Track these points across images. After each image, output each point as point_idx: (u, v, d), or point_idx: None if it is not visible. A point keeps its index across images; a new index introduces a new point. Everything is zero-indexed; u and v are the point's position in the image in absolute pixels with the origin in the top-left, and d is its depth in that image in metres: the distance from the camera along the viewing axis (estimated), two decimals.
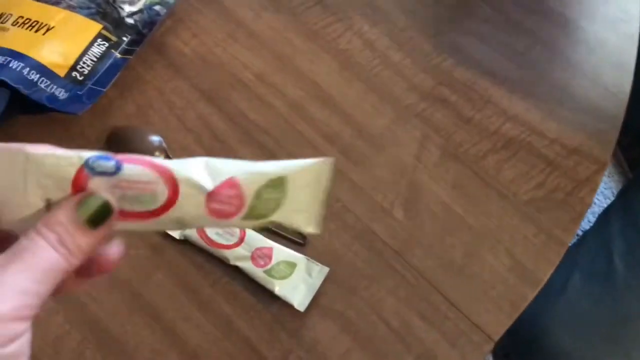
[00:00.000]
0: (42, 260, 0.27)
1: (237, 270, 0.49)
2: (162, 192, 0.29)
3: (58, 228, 0.27)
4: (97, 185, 0.28)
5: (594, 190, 0.55)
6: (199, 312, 0.49)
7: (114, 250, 0.31)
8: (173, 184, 0.29)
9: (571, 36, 0.64)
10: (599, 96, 0.60)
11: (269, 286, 0.48)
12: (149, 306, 0.49)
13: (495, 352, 0.83)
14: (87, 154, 0.28)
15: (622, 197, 0.82)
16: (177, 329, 0.48)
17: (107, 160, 0.28)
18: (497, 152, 0.56)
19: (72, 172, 0.28)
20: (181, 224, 0.31)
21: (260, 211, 0.31)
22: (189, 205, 0.30)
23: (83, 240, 0.28)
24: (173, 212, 0.30)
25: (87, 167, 0.28)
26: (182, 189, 0.29)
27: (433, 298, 0.50)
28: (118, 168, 0.28)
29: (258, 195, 0.30)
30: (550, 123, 0.58)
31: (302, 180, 0.31)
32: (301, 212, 0.32)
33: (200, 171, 0.30)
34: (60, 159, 0.28)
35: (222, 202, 0.30)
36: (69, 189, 0.29)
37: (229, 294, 0.50)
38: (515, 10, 0.65)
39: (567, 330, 0.70)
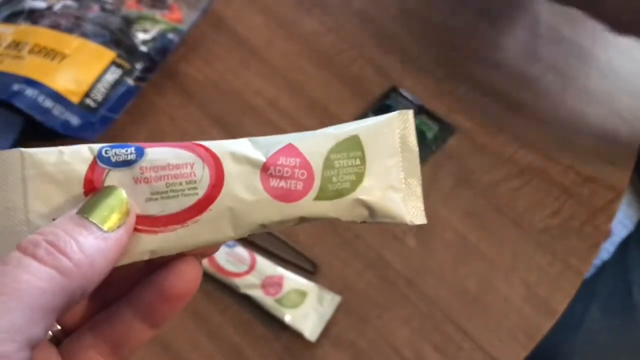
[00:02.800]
0: (26, 284, 0.19)
1: (247, 298, 0.49)
2: (203, 175, 0.23)
3: (48, 234, 0.20)
4: (117, 182, 0.22)
5: (610, 219, 0.54)
6: (208, 341, 0.48)
7: (185, 269, 0.23)
8: (215, 161, 0.23)
9: (585, 64, 0.63)
10: (613, 123, 0.59)
11: (279, 315, 0.48)
12: (157, 335, 0.48)
13: None
14: (98, 145, 0.23)
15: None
16: (187, 358, 0.47)
17: (124, 146, 0.23)
18: (511, 179, 0.56)
19: (83, 169, 0.23)
20: (234, 221, 0.23)
21: (338, 186, 0.23)
22: (240, 188, 0.23)
23: (87, 241, 0.20)
24: (221, 202, 0.22)
25: (101, 159, 0.23)
26: (228, 167, 0.23)
27: (446, 328, 0.49)
28: (140, 153, 0.23)
29: (329, 162, 0.24)
30: (564, 150, 0.57)
31: (383, 141, 0.24)
32: (395, 188, 0.24)
33: (245, 145, 0.24)
34: (66, 154, 0.23)
35: (283, 177, 0.23)
36: (80, 192, 0.22)
37: (238, 322, 0.49)
38: (529, 37, 0.65)
39: None
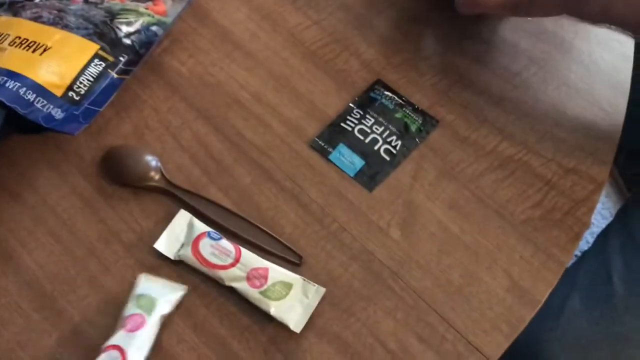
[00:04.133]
0: None
1: (233, 291, 0.49)
2: None
3: None
4: None
5: (591, 210, 0.55)
6: (193, 334, 0.48)
7: None
8: None
9: (566, 56, 0.64)
10: (594, 116, 0.60)
11: (264, 307, 0.48)
12: None
13: None
14: None
15: (620, 217, 0.81)
16: (172, 351, 0.47)
17: None
18: (494, 171, 0.56)
19: None
20: None
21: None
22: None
23: None
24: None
25: None
26: None
27: (430, 319, 0.50)
28: None
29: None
30: (546, 142, 0.58)
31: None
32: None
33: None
34: None
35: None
36: None
37: (224, 315, 0.49)
38: (511, 31, 0.65)
39: (566, 351, 0.70)
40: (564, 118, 0.60)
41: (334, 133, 0.58)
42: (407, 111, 0.59)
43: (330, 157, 0.57)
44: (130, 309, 0.47)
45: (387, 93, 0.60)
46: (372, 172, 0.56)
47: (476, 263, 0.52)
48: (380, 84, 0.61)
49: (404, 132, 0.58)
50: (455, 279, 0.51)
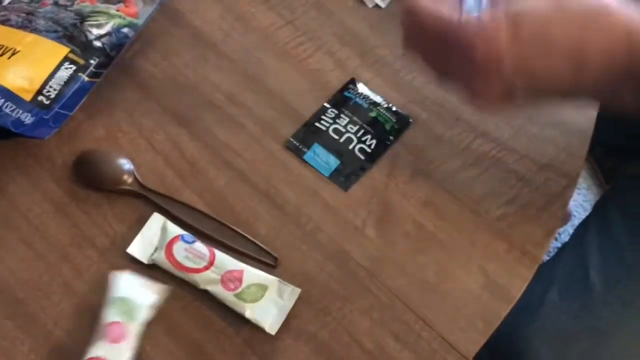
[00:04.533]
0: None
1: (207, 294, 0.49)
2: None
3: None
4: None
5: (565, 205, 0.55)
6: (168, 338, 0.48)
7: None
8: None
9: None
10: (567, 111, 0.60)
11: (239, 310, 0.48)
12: None
13: None
14: None
15: (597, 210, 0.82)
16: (147, 356, 0.47)
17: None
18: (468, 169, 0.56)
19: None
20: None
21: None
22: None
23: None
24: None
25: None
26: None
27: (406, 317, 0.50)
28: None
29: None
30: (520, 139, 0.58)
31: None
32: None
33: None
34: None
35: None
36: None
37: (199, 318, 0.49)
38: None
39: (546, 345, 0.70)
40: (537, 114, 0.60)
41: (308, 133, 0.58)
42: (381, 110, 0.59)
43: (305, 157, 0.57)
44: (110, 315, 0.46)
45: (361, 92, 0.60)
46: (347, 172, 0.56)
47: (451, 260, 0.52)
48: (354, 83, 0.60)
49: (378, 130, 0.58)
50: (431, 277, 0.52)
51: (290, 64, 0.62)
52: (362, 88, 0.60)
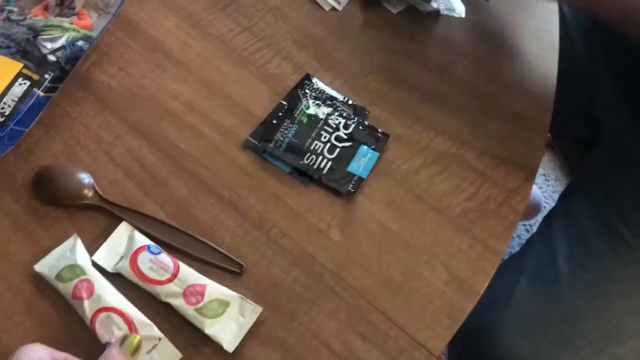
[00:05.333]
0: None
1: (170, 307, 0.48)
2: None
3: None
4: None
5: (525, 198, 0.56)
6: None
7: None
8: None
9: (495, 49, 0.65)
10: (524, 105, 0.61)
11: (199, 325, 0.47)
12: (78, 343, 0.47)
13: None
14: None
15: (563, 200, 0.84)
16: None
17: None
18: (428, 167, 0.57)
19: None
20: None
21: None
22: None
23: None
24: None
25: None
26: None
27: (373, 317, 0.50)
28: None
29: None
30: (479, 135, 0.59)
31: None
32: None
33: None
34: None
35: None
36: None
37: (162, 332, 0.48)
38: (441, 27, 0.66)
39: (517, 334, 0.71)
40: (495, 109, 0.61)
41: (266, 131, 0.58)
42: (337, 103, 0.59)
43: (265, 155, 0.57)
44: None
45: (316, 87, 0.60)
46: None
47: (415, 259, 0.53)
48: (309, 78, 0.61)
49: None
50: (396, 276, 0.52)
51: (248, 70, 0.62)
52: (317, 83, 0.60)
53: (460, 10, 0.60)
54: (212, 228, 0.53)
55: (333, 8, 0.66)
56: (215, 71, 0.61)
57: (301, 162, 0.56)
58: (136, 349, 0.43)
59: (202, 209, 0.54)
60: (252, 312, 0.49)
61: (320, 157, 0.56)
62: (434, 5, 0.62)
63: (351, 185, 0.55)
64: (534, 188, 1.30)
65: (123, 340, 0.43)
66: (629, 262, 0.69)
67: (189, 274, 0.50)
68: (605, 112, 0.80)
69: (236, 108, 0.59)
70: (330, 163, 0.56)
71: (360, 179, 0.55)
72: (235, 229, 0.53)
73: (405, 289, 0.52)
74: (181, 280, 0.49)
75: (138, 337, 0.43)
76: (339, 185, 0.55)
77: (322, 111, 0.58)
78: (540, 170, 1.45)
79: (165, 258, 0.50)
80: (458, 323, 0.50)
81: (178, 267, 0.50)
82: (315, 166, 0.56)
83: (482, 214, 0.55)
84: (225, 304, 0.48)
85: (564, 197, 0.83)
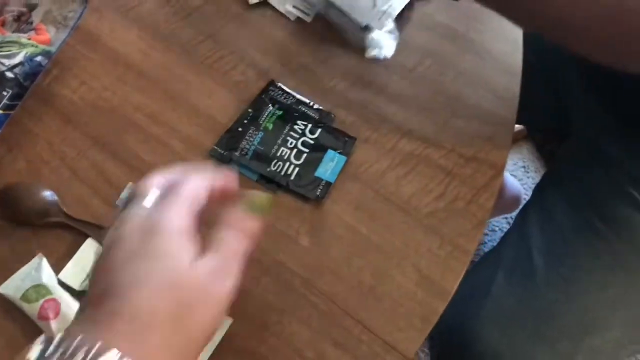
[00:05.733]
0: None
1: None
2: None
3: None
4: None
5: (493, 196, 0.56)
6: None
7: None
8: None
9: (460, 48, 0.65)
10: (490, 102, 0.61)
11: None
12: None
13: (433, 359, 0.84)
14: None
15: (537, 193, 0.84)
16: None
17: None
18: (395, 168, 0.57)
19: None
20: None
21: None
22: None
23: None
24: None
25: None
26: None
27: (346, 323, 0.50)
28: None
29: None
30: (445, 134, 0.59)
31: None
32: None
33: None
34: None
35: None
36: None
37: None
38: (404, 27, 0.66)
39: (495, 330, 0.71)
40: (461, 108, 0.61)
41: (232, 139, 0.57)
42: (303, 108, 0.59)
43: (231, 164, 0.56)
44: None
45: (282, 91, 0.60)
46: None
47: (386, 261, 0.53)
48: (274, 84, 0.60)
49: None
50: (367, 280, 0.52)
51: (212, 78, 0.61)
52: (282, 89, 0.60)
53: (388, 52, 0.59)
54: None
55: (299, 19, 0.65)
56: (178, 80, 0.61)
57: (268, 170, 0.55)
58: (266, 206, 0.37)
59: None
60: (221, 324, 0.49)
61: (288, 164, 0.56)
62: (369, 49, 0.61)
63: (319, 190, 0.55)
64: (513, 180, 1.31)
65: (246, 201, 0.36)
66: (603, 255, 0.69)
67: None
68: (574, 104, 0.81)
69: (201, 117, 0.59)
70: (297, 169, 0.56)
71: (328, 184, 0.55)
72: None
73: (377, 292, 0.51)
74: None
75: (265, 195, 0.37)
76: (307, 190, 0.55)
77: (288, 117, 0.58)
78: (520, 163, 1.46)
79: None
80: (430, 325, 0.50)
81: None
82: (282, 173, 0.55)
83: (450, 213, 0.55)
84: None
85: (538, 191, 0.84)
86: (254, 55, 0.63)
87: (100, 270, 0.34)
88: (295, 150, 0.56)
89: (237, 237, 0.36)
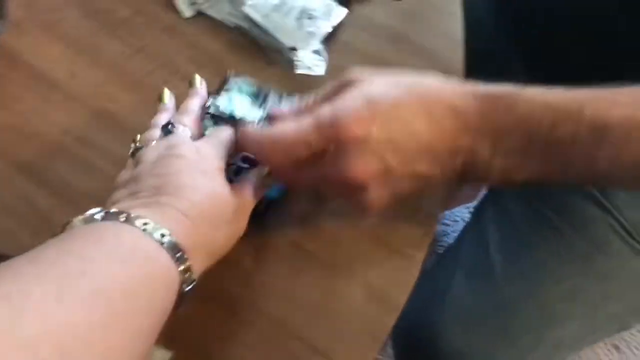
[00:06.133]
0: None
1: None
2: None
3: None
4: None
5: (442, 201, 0.55)
6: None
7: None
8: None
9: (399, 48, 0.64)
10: None
11: None
12: None
13: None
14: None
15: (491, 188, 0.83)
16: None
17: None
18: None
19: None
20: None
21: None
22: None
23: None
24: None
25: None
26: None
27: (294, 345, 0.48)
28: None
29: None
30: None
31: None
32: None
33: None
34: None
35: None
36: None
37: None
38: (344, 32, 0.64)
39: (456, 329, 0.71)
40: None
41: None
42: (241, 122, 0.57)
43: None
44: None
45: (218, 105, 0.57)
46: None
47: (332, 278, 0.51)
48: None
49: None
50: (314, 298, 0.50)
51: (144, 95, 0.58)
52: (219, 102, 0.58)
53: (318, 71, 0.58)
54: None
55: (237, 27, 0.62)
56: (107, 99, 0.58)
57: None
58: None
59: None
60: (161, 359, 0.46)
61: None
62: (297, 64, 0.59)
63: (261, 207, 0.53)
64: None
65: None
66: (558, 247, 0.69)
67: None
68: None
69: (133, 135, 0.56)
70: None
71: (270, 200, 0.53)
72: None
73: (325, 310, 0.50)
74: None
75: None
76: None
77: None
78: None
79: None
80: (380, 341, 0.49)
81: None
82: None
83: (397, 222, 0.53)
84: None
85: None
86: (187, 67, 0.60)
87: (153, 172, 0.41)
88: (234, 167, 0.54)
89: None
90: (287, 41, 0.58)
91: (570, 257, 0.69)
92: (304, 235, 0.52)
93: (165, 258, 0.35)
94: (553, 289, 0.69)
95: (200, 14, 0.63)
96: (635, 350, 1.26)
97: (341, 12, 0.60)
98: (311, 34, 0.58)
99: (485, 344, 0.70)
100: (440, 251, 1.37)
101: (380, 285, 0.51)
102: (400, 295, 0.51)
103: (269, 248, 0.52)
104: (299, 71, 0.58)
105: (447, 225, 1.43)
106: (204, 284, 0.50)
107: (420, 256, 0.52)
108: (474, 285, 0.73)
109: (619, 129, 0.40)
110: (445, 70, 0.62)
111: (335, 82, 0.45)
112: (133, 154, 0.46)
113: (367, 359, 0.48)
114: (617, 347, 1.26)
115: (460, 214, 1.46)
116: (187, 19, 0.63)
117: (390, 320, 0.50)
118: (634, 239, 0.66)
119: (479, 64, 0.66)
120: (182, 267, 0.36)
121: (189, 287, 0.38)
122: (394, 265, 0.52)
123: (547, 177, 0.43)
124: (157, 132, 0.47)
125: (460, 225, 1.44)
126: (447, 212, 1.44)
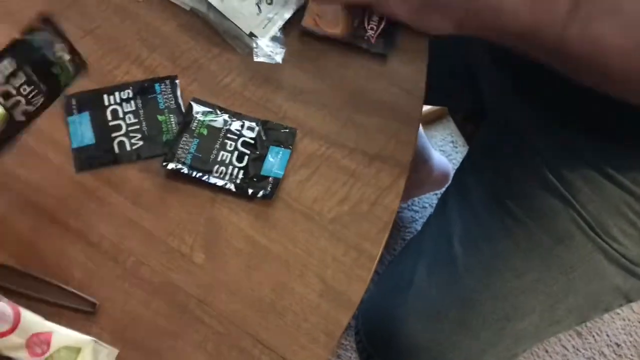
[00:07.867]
0: None
1: None
2: None
3: None
4: None
5: (398, 196, 0.53)
6: None
7: None
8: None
9: None
10: (394, 96, 0.58)
11: None
12: None
13: (359, 354, 0.82)
14: None
15: (457, 176, 0.82)
16: None
17: None
18: (297, 171, 0.53)
19: None
20: None
21: None
22: None
23: None
24: None
25: None
26: None
27: (244, 343, 0.47)
28: None
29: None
30: (348, 132, 0.56)
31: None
32: None
33: None
34: None
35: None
36: None
37: None
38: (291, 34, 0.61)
39: (419, 322, 0.70)
40: (364, 103, 0.57)
41: (91, 99, 0.54)
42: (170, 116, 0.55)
43: (70, 118, 0.53)
44: None
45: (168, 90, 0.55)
46: (94, 155, 0.52)
47: (287, 273, 0.49)
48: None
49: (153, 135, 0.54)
50: (267, 295, 0.49)
51: (93, 80, 0.55)
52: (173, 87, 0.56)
53: (277, 58, 0.57)
54: (59, 265, 0.48)
55: (193, 9, 0.59)
56: None
57: None
58: None
59: (48, 244, 0.49)
60: (108, 355, 0.45)
61: (231, 167, 0.52)
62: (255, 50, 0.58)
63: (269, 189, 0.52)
64: (441, 156, 1.30)
65: None
66: (519, 239, 0.69)
67: (33, 322, 0.44)
68: (485, 84, 0.79)
69: None
70: (242, 171, 0.52)
71: (277, 180, 0.52)
72: (86, 263, 0.48)
73: (278, 307, 0.48)
74: (23, 329, 0.44)
75: None
76: (257, 190, 0.52)
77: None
78: (449, 138, 1.45)
79: (2, 307, 0.44)
80: (335, 339, 0.48)
81: (19, 314, 0.44)
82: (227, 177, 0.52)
83: (355, 217, 0.52)
84: (75, 351, 0.44)
85: (456, 176, 0.82)
86: (140, 51, 0.57)
87: None
88: (236, 153, 0.53)
89: None
90: (245, 27, 0.56)
91: (531, 249, 0.68)
92: (259, 228, 0.51)
93: None
94: (514, 282, 0.68)
95: None
96: (597, 336, 1.28)
97: None
98: (271, 20, 0.56)
99: (447, 338, 0.69)
100: (408, 237, 1.37)
101: (335, 281, 0.49)
102: (356, 292, 0.49)
103: (223, 243, 0.50)
104: (257, 59, 0.56)
105: (416, 211, 1.43)
106: (151, 279, 0.48)
107: (376, 252, 0.51)
108: (437, 277, 0.72)
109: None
110: (409, 61, 0.60)
111: None
112: None
113: (321, 358, 0.47)
114: (579, 333, 1.27)
115: (429, 201, 1.45)
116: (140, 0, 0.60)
117: (345, 318, 0.48)
118: (595, 233, 0.66)
119: (444, 54, 0.65)
120: None
121: None
122: (351, 262, 0.50)
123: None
124: None
125: (428, 212, 1.43)
126: (415, 199, 1.43)
